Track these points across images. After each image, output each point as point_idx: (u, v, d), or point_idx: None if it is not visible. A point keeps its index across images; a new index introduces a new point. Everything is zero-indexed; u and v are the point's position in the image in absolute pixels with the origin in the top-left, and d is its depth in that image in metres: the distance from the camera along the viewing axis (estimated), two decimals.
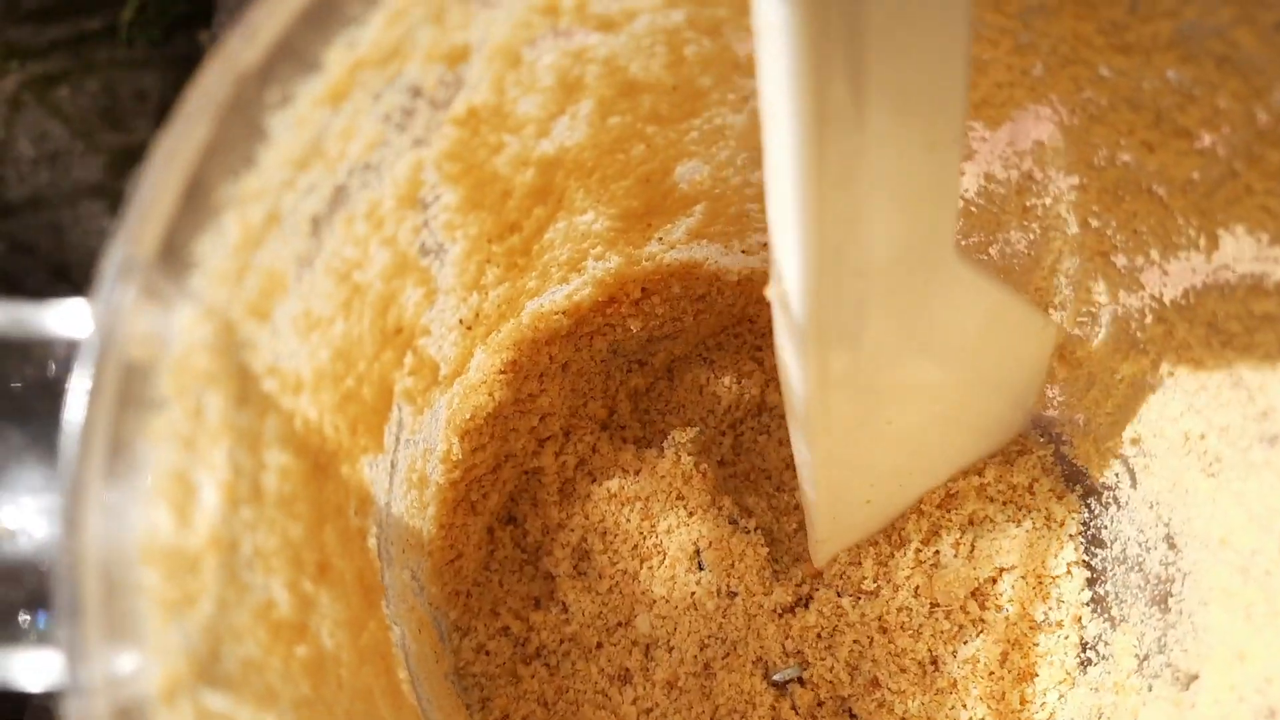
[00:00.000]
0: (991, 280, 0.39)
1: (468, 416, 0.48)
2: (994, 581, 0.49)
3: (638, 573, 0.51)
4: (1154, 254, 0.38)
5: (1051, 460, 0.49)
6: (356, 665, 0.35)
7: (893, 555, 0.50)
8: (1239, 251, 0.35)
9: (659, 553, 0.51)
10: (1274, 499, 0.36)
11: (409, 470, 0.44)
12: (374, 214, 0.31)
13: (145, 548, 0.23)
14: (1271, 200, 0.32)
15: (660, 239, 0.49)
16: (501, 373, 0.48)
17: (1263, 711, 0.36)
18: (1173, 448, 0.41)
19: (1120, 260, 0.39)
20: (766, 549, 0.51)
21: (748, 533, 0.51)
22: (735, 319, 0.56)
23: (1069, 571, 0.48)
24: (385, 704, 0.37)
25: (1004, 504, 0.50)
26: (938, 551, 0.50)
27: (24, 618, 0.25)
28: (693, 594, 0.50)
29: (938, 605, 0.49)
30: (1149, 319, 0.39)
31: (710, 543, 0.50)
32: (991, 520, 0.50)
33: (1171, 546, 0.42)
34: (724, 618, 0.50)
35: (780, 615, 0.50)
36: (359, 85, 0.26)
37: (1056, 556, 0.48)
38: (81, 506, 0.21)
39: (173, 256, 0.23)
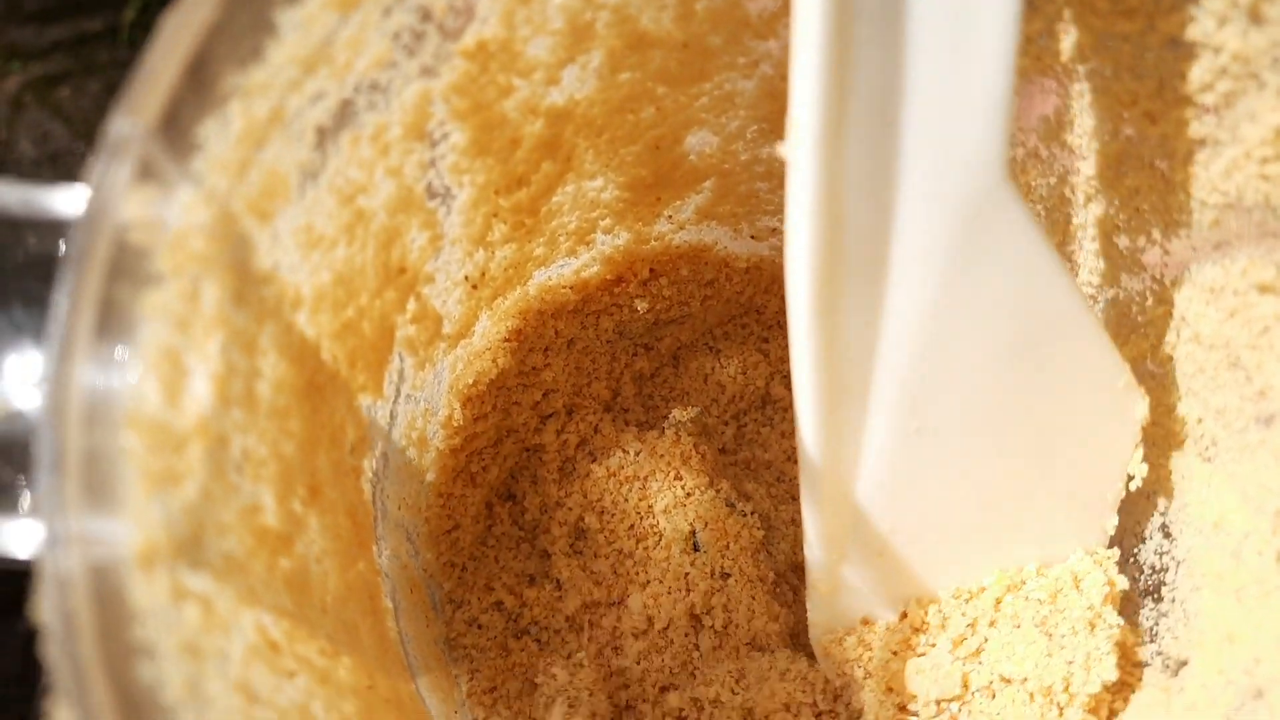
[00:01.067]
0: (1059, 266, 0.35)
1: (470, 382, 0.48)
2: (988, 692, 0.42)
3: (633, 552, 0.51)
4: (1155, 233, 0.38)
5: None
6: (343, 595, 0.35)
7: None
8: (1239, 226, 0.35)
9: (655, 533, 0.51)
10: (1268, 479, 0.36)
11: (409, 427, 0.45)
12: (380, 138, 0.31)
13: (131, 414, 0.23)
14: (1271, 168, 0.32)
15: (670, 217, 0.49)
16: (506, 340, 0.49)
17: (1250, 692, 0.35)
18: (1170, 435, 0.41)
19: (1122, 241, 0.39)
20: (762, 533, 0.51)
21: (744, 515, 0.51)
22: (743, 309, 0.57)
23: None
24: (370, 640, 0.37)
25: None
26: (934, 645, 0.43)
27: (24, 493, 0.26)
28: (686, 574, 0.50)
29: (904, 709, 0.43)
30: (1149, 300, 0.40)
31: (706, 523, 0.50)
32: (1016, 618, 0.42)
33: (1167, 536, 0.42)
34: (717, 599, 0.50)
35: (772, 594, 0.50)
36: None
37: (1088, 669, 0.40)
38: (68, 361, 0.21)
39: (174, 133, 0.23)
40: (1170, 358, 0.40)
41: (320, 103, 0.28)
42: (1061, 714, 0.39)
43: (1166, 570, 0.42)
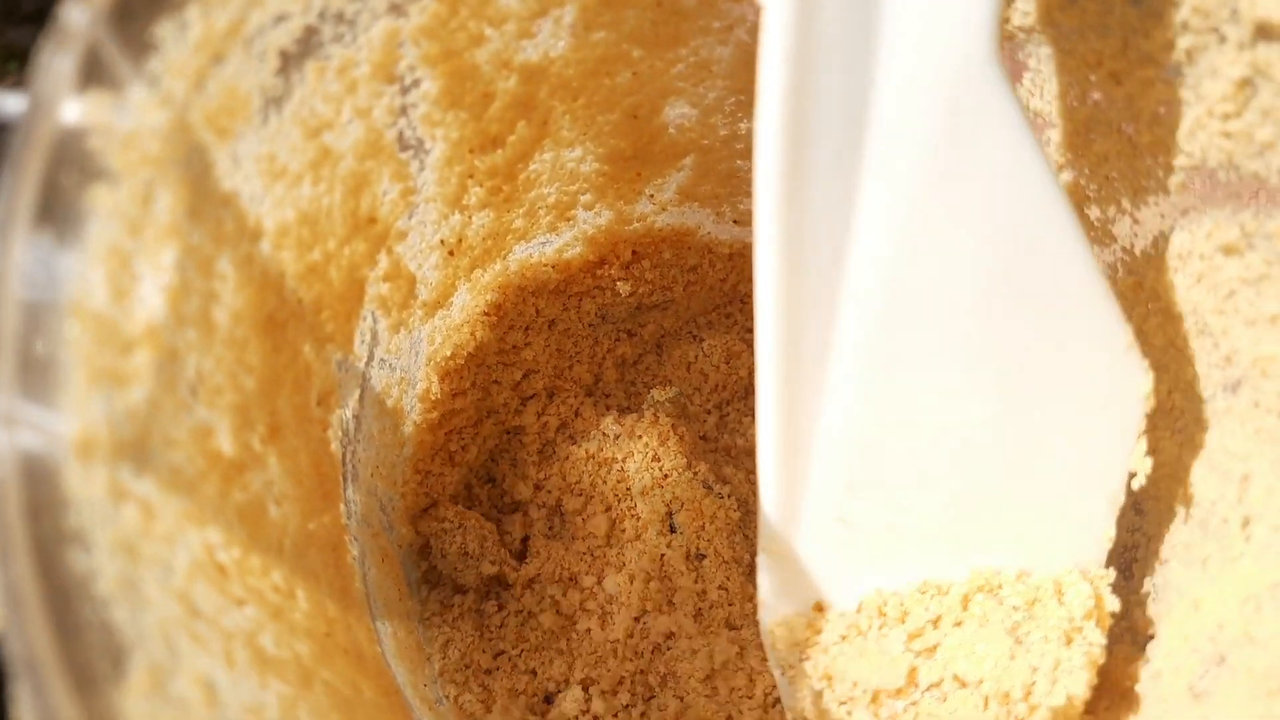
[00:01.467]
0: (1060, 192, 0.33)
1: (449, 354, 0.48)
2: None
3: (610, 534, 0.51)
4: (1125, 202, 0.38)
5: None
6: (303, 544, 0.35)
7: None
8: (1204, 187, 0.35)
9: (632, 515, 0.51)
10: (1235, 445, 0.36)
11: (384, 394, 0.45)
12: (347, 73, 0.32)
13: (76, 304, 0.23)
14: (1233, 125, 0.33)
15: (651, 196, 0.49)
16: (485, 314, 0.49)
17: (1213, 659, 0.35)
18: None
19: (1094, 212, 0.39)
20: (739, 515, 0.51)
21: (721, 498, 0.51)
22: (727, 297, 0.57)
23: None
24: (331, 591, 0.37)
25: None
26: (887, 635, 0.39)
27: None
28: (663, 555, 0.50)
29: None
30: (1120, 272, 0.40)
31: (683, 504, 0.50)
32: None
33: (1138, 513, 0.41)
34: (692, 580, 0.50)
35: (748, 576, 0.49)
36: None
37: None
38: (7, 239, 0.22)
39: (128, 27, 0.23)
40: (1141, 330, 0.39)
41: (283, 24, 0.28)
42: (1012, 711, 0.36)
43: (1138, 547, 0.41)
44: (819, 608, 0.40)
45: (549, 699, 0.48)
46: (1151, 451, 0.40)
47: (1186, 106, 0.33)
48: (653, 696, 0.48)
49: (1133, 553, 0.42)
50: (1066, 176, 0.39)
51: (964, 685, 0.37)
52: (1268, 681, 0.33)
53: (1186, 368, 0.38)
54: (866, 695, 0.37)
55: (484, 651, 0.49)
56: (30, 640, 0.20)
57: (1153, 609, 0.39)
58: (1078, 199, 0.39)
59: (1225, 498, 0.36)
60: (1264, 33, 0.30)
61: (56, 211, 0.23)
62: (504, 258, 0.48)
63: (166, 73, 0.25)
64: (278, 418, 0.34)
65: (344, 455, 0.41)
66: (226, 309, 0.30)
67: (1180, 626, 0.37)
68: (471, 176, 0.41)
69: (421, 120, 0.36)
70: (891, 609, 0.38)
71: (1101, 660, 0.37)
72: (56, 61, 0.22)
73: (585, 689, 0.48)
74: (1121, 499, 0.37)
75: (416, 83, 0.35)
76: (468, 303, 0.48)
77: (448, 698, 0.48)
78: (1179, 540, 0.38)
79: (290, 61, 0.29)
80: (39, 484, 0.22)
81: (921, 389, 0.35)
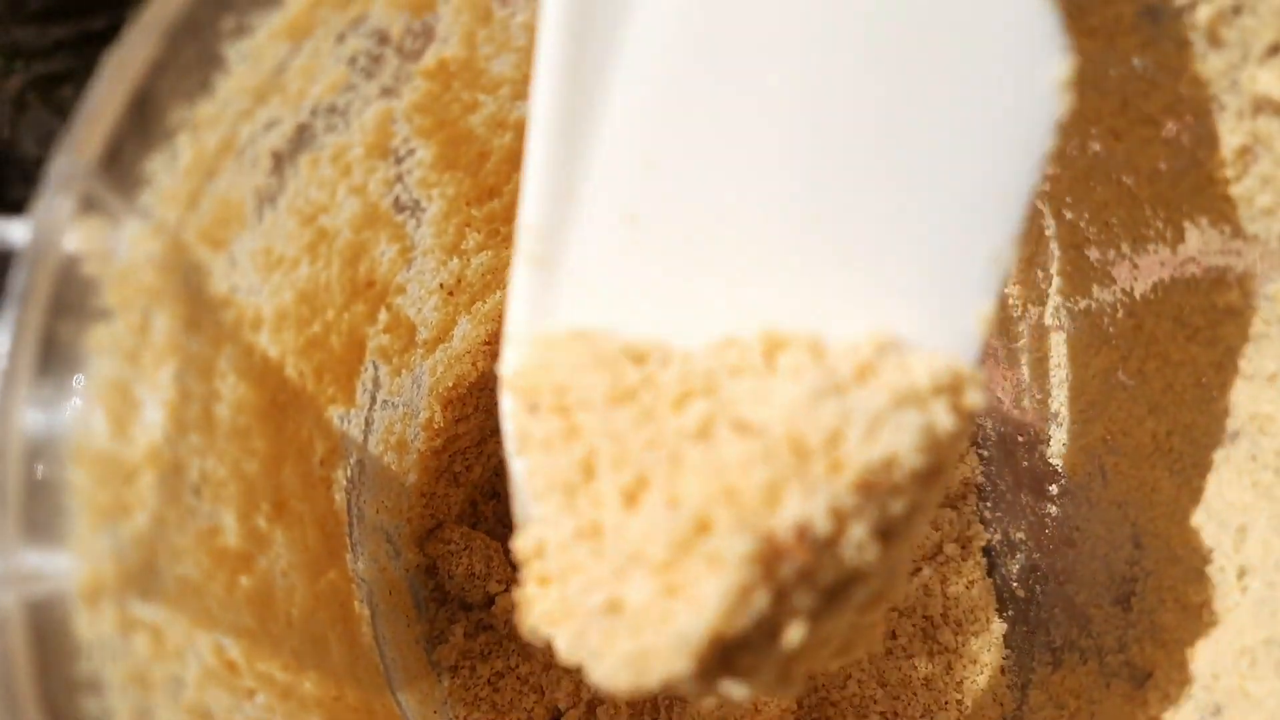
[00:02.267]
0: None
1: (450, 385, 0.48)
2: None
3: None
4: (1124, 247, 0.38)
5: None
6: (310, 608, 0.36)
7: None
8: (1203, 244, 0.35)
9: None
10: (1232, 496, 0.36)
11: (386, 432, 0.45)
12: (341, 159, 0.31)
13: (77, 448, 0.23)
14: (1232, 190, 0.32)
15: None
16: (487, 344, 0.49)
17: (1209, 708, 0.36)
18: (1140, 447, 0.41)
19: (1093, 254, 0.39)
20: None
21: None
22: None
23: None
24: (340, 650, 0.37)
25: None
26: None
27: None
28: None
29: None
30: (1120, 313, 0.40)
31: None
32: None
33: (1137, 546, 0.42)
34: None
35: None
36: (320, 23, 0.27)
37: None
38: (10, 398, 0.22)
39: (118, 169, 0.23)
40: (1140, 371, 0.40)
41: (275, 129, 0.28)
42: (813, 483, 0.24)
43: (1136, 580, 0.42)
44: (579, 336, 0.28)
45: (557, 717, 0.49)
46: (1151, 490, 0.40)
47: (1186, 167, 0.33)
48: (658, 717, 0.48)
49: (1131, 585, 0.42)
50: (1067, 216, 0.39)
51: (745, 431, 0.25)
52: None
53: (1184, 413, 0.38)
54: (600, 409, 0.27)
55: (492, 670, 0.49)
56: None
57: (1149, 647, 0.40)
58: (1077, 240, 0.39)
59: (1222, 546, 0.37)
60: (1263, 106, 0.30)
61: (56, 362, 0.23)
62: (503, 288, 0.48)
63: (159, 203, 0.25)
64: (282, 492, 0.34)
65: (349, 503, 0.41)
66: (227, 404, 0.30)
67: (1177, 671, 0.37)
68: (469, 225, 0.40)
69: (418, 184, 0.36)
70: (674, 356, 0.27)
71: (948, 447, 0.26)
72: (51, 213, 0.22)
73: (592, 709, 0.49)
74: (1010, 262, 0.26)
75: (411, 152, 0.35)
76: (469, 333, 0.48)
77: (458, 719, 0.49)
78: (1176, 582, 0.39)
79: (283, 160, 0.29)
80: (48, 637, 0.22)
81: (746, 57, 0.26)
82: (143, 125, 0.24)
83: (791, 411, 0.25)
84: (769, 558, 0.23)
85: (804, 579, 0.24)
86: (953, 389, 0.26)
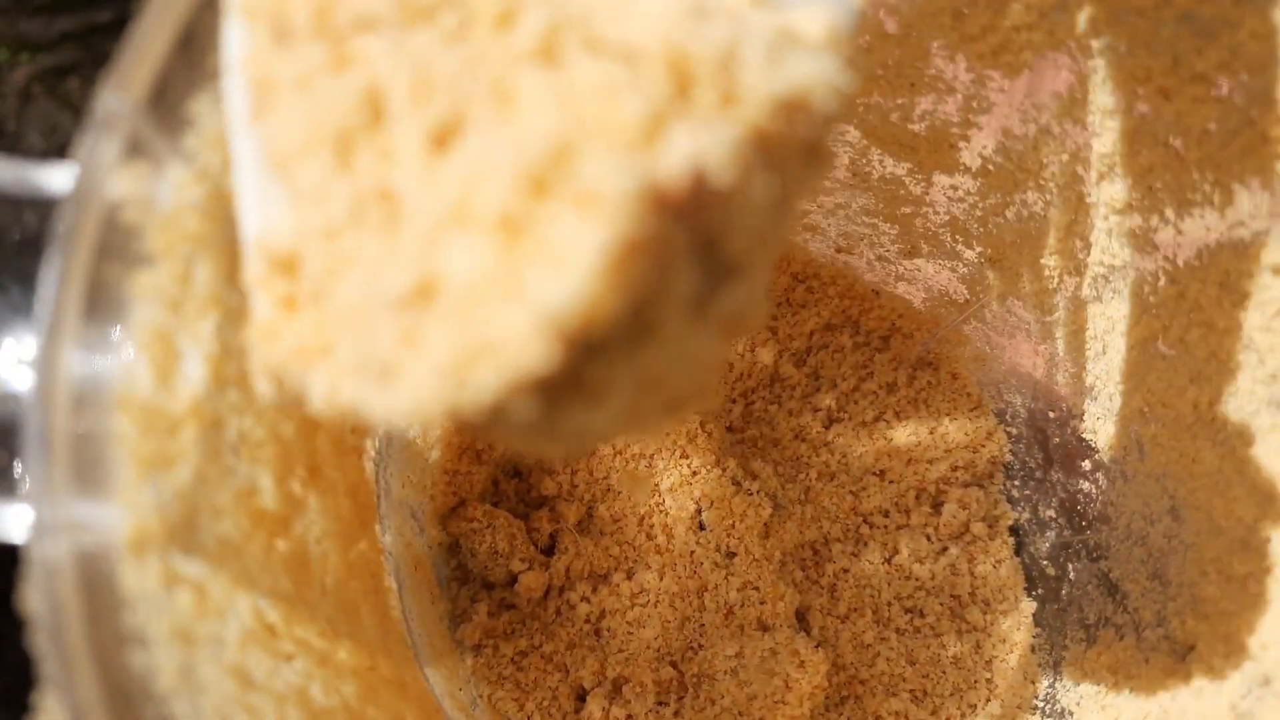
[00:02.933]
0: None
1: None
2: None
3: (638, 530, 0.51)
4: (1169, 213, 0.37)
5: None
6: (343, 576, 0.35)
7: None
8: (1254, 207, 0.34)
9: (661, 511, 0.51)
10: (1278, 466, 0.36)
11: None
12: None
13: (122, 396, 0.23)
14: None
15: None
16: None
17: (1257, 679, 0.35)
18: (1181, 417, 0.40)
19: (1135, 220, 0.39)
20: (769, 511, 0.50)
21: (750, 494, 0.51)
22: None
23: None
24: (371, 621, 0.37)
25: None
26: None
27: (22, 476, 0.26)
28: (692, 553, 0.50)
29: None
30: (1162, 281, 0.39)
31: (712, 502, 0.50)
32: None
33: (1176, 519, 0.41)
34: (722, 577, 0.50)
35: (778, 573, 0.49)
36: None
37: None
38: (55, 344, 0.21)
39: (164, 109, 0.23)
40: (1182, 340, 0.39)
41: None
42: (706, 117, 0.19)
43: (1175, 554, 0.41)
44: None
45: (582, 696, 0.49)
46: (1191, 461, 0.40)
47: (1240, 127, 0.33)
48: (685, 696, 0.48)
49: (1169, 559, 0.41)
50: (1109, 185, 0.38)
51: (605, 50, 0.19)
52: None
53: (1229, 381, 0.37)
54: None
55: (515, 649, 0.49)
56: None
57: (1190, 620, 0.39)
58: (1119, 207, 0.39)
59: (1268, 516, 0.36)
60: None
61: (101, 307, 0.22)
62: None
63: (203, 147, 0.24)
64: (316, 457, 0.34)
65: (377, 476, 0.41)
66: None
67: (1221, 643, 0.37)
68: None
69: None
70: None
71: (836, 119, 0.20)
72: (96, 154, 0.22)
73: (618, 688, 0.48)
74: None
75: None
76: None
77: (482, 697, 0.48)
78: (1219, 553, 0.38)
79: None
80: (96, 590, 0.22)
81: None
82: (188, 63, 0.23)
83: (670, 27, 0.19)
84: (655, 206, 0.17)
85: (689, 251, 0.18)
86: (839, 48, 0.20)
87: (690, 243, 0.18)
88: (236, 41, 0.20)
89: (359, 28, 0.19)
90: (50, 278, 0.22)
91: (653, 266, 0.17)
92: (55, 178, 0.25)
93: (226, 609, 0.26)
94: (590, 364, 0.18)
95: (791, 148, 0.19)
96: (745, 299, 0.20)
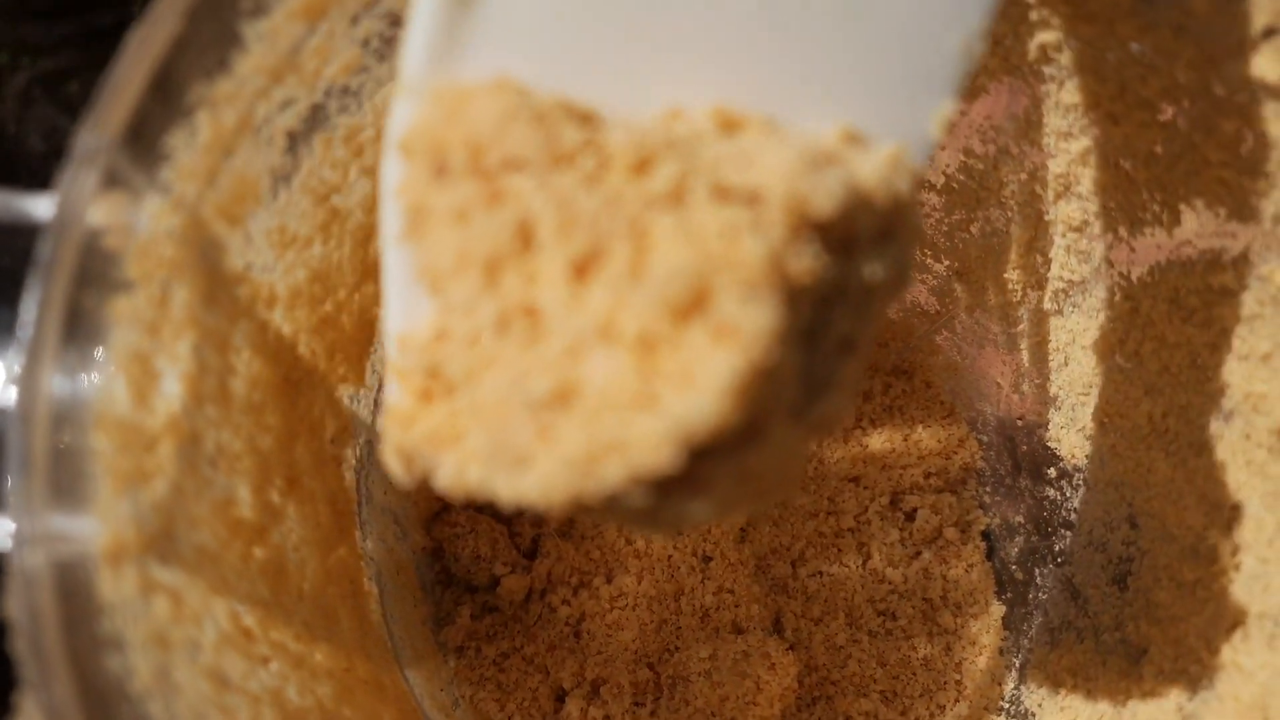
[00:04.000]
0: None
1: None
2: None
3: (618, 535, 0.52)
4: (1122, 231, 0.39)
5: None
6: (321, 582, 0.36)
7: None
8: (1199, 226, 0.35)
9: None
10: (1225, 476, 0.37)
11: None
12: (354, 140, 0.32)
13: (100, 415, 0.24)
14: (1227, 173, 0.33)
15: None
16: None
17: (1203, 681, 0.36)
18: (1137, 428, 0.41)
19: (1091, 237, 0.40)
20: (745, 517, 0.52)
21: None
22: None
23: None
24: (350, 625, 0.38)
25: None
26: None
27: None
28: (669, 557, 0.51)
29: None
30: (1117, 296, 0.40)
31: None
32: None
33: (1133, 526, 0.43)
34: (699, 582, 0.51)
35: (753, 577, 0.51)
36: (334, 4, 0.28)
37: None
38: (36, 366, 0.22)
39: (140, 145, 0.24)
40: (1137, 353, 0.40)
41: (290, 109, 0.29)
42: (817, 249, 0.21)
43: (1132, 560, 0.42)
44: (503, 86, 0.23)
45: (561, 697, 0.50)
46: (1147, 470, 0.41)
47: (1182, 152, 0.34)
48: (660, 697, 0.49)
49: (1127, 565, 0.43)
50: (1065, 204, 0.40)
51: (730, 197, 0.21)
52: (1253, 711, 0.34)
53: (1180, 394, 0.39)
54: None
55: (498, 651, 0.50)
56: None
57: (1144, 625, 0.41)
58: (1076, 225, 0.40)
59: (1216, 525, 0.37)
60: (1258, 90, 0.31)
61: (80, 332, 0.24)
62: None
63: (179, 178, 0.26)
64: (295, 468, 0.35)
65: (358, 483, 0.42)
66: (243, 379, 0.31)
67: (1171, 646, 0.38)
68: None
69: None
70: (614, 122, 0.24)
71: (898, 197, 0.23)
72: (75, 187, 0.23)
73: (596, 689, 0.49)
74: (978, 56, 0.24)
75: None
76: None
77: (464, 698, 0.49)
78: (1171, 560, 0.39)
79: (298, 139, 0.30)
80: (74, 598, 0.23)
81: None
82: (164, 101, 0.24)
83: (790, 175, 0.21)
84: (785, 333, 0.20)
85: (796, 373, 0.21)
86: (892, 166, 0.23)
87: (796, 367, 0.21)
88: (394, 172, 0.23)
89: (508, 168, 0.22)
90: (31, 302, 0.23)
91: (771, 387, 0.20)
92: (38, 206, 0.26)
93: (203, 614, 0.28)
94: (701, 463, 0.20)
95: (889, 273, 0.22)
96: (836, 406, 0.23)
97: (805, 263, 0.20)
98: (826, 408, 0.23)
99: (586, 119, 0.23)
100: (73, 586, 0.23)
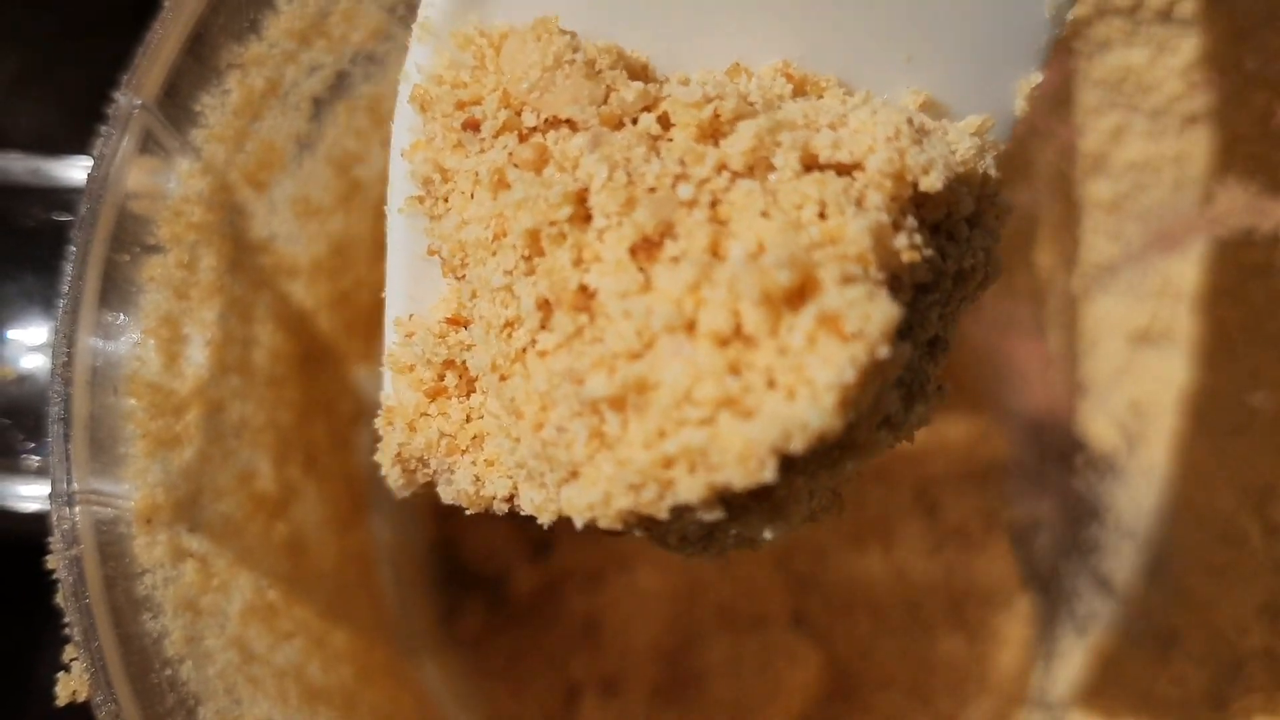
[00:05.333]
0: None
1: None
2: None
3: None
4: (1153, 210, 0.38)
5: None
6: (340, 563, 0.36)
7: None
8: (1230, 203, 0.35)
9: None
10: (1255, 457, 0.37)
11: None
12: (376, 109, 0.32)
13: (131, 378, 0.24)
14: (1258, 147, 0.33)
15: None
16: None
17: (1232, 666, 0.36)
18: (1168, 412, 0.41)
19: (1125, 218, 0.40)
20: None
21: None
22: None
23: None
24: (367, 610, 0.38)
25: None
26: None
27: (28, 451, 0.27)
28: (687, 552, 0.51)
29: None
30: (1148, 278, 0.40)
31: None
32: None
33: (1162, 513, 0.42)
34: (717, 576, 0.51)
35: (774, 571, 0.50)
36: None
37: None
38: (74, 328, 0.22)
39: (174, 105, 0.24)
40: (1168, 335, 0.40)
41: (316, 74, 0.29)
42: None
43: (1162, 546, 0.42)
44: (545, 27, 0.19)
45: (575, 692, 0.49)
46: (1178, 455, 0.41)
47: (1214, 126, 0.34)
48: (677, 693, 0.49)
49: (1157, 552, 0.42)
50: (1093, 182, 0.39)
51: (822, 165, 0.19)
52: None
53: (1213, 376, 0.38)
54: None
55: (510, 645, 0.50)
56: (120, 706, 0.21)
57: (1176, 611, 0.40)
58: (1106, 204, 0.40)
59: (1246, 507, 0.37)
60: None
61: (115, 293, 0.24)
62: None
63: (208, 141, 0.25)
64: (314, 446, 0.35)
65: (373, 468, 0.42)
66: (265, 350, 0.30)
67: (1202, 632, 0.38)
68: None
69: None
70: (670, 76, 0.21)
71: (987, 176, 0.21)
72: (111, 148, 0.23)
73: (611, 684, 0.49)
74: (1065, 24, 0.22)
75: None
76: None
77: (476, 692, 0.49)
78: (1202, 545, 0.39)
79: (322, 106, 0.30)
80: (112, 558, 0.23)
81: None
82: (196, 63, 0.24)
83: (895, 145, 0.19)
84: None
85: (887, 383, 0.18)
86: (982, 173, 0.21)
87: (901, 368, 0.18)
88: (406, 127, 0.20)
89: (554, 126, 0.18)
90: (69, 265, 0.23)
91: (881, 390, 0.18)
92: (67, 170, 0.26)
93: (229, 584, 0.27)
94: (788, 476, 0.17)
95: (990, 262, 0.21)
96: (924, 414, 0.21)
97: (911, 245, 0.18)
98: (914, 416, 0.20)
99: (643, 69, 0.19)
100: (111, 547, 0.23)
